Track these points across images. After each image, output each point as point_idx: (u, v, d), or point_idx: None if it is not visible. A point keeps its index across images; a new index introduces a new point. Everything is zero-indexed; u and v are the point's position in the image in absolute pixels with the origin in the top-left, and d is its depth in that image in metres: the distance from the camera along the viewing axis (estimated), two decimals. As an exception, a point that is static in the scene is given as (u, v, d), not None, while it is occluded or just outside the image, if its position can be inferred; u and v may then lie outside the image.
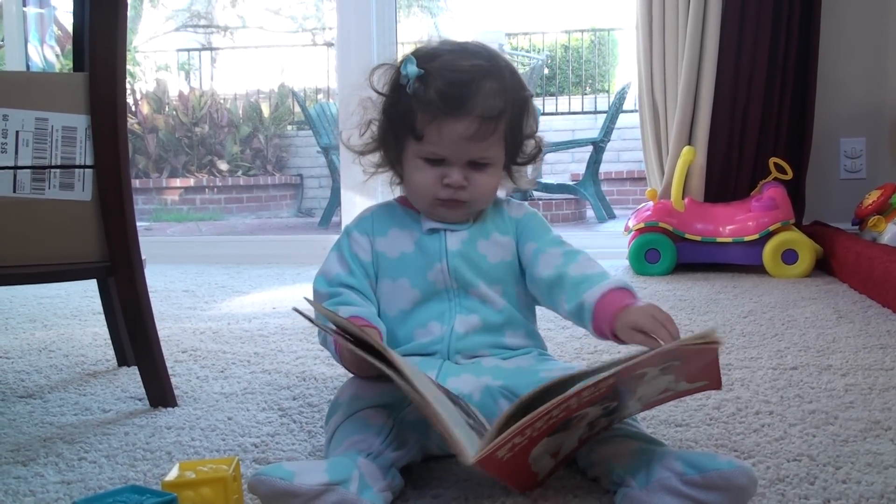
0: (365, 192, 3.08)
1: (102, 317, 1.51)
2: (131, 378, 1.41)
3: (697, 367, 0.86)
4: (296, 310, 0.94)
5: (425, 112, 1.02)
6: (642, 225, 2.66)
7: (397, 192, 1.17)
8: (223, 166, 6.97)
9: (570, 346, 1.61)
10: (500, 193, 1.15)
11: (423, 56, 1.04)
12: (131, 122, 6.66)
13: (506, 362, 1.05)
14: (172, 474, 0.81)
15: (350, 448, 0.88)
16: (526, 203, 1.16)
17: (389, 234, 1.11)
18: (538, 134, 1.12)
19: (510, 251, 1.11)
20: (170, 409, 1.23)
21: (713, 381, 0.89)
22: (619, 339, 0.96)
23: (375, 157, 1.12)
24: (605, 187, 5.76)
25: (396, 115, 1.06)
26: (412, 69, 1.02)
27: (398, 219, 1.12)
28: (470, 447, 0.78)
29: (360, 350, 0.86)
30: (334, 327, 0.91)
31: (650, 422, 1.12)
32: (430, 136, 1.02)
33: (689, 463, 0.81)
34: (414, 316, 1.08)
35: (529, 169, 1.14)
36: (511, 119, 1.06)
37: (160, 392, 1.24)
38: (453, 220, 1.09)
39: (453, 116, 1.01)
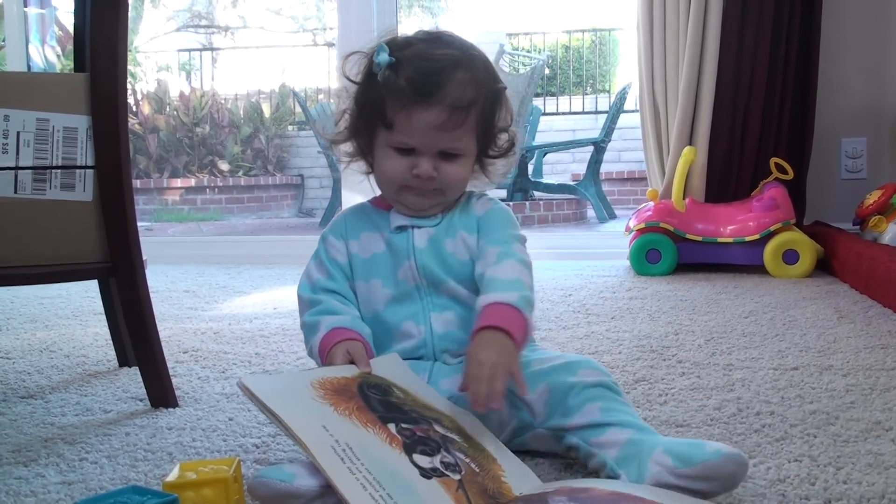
0: (367, 192, 3.08)
1: (103, 317, 1.51)
2: (132, 378, 1.41)
3: None
4: (241, 385, 0.89)
5: (395, 100, 1.01)
6: (643, 225, 2.66)
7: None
8: (224, 166, 6.97)
9: (571, 347, 1.61)
10: (492, 193, 1.15)
11: (396, 45, 1.04)
12: (132, 122, 6.66)
13: None
14: (173, 475, 0.81)
15: None
16: (494, 199, 1.14)
17: (361, 236, 1.11)
18: (512, 128, 1.11)
19: (476, 250, 1.09)
20: (171, 409, 1.23)
21: None
22: None
23: (349, 147, 1.12)
24: (605, 187, 5.76)
25: (367, 103, 1.05)
26: (383, 57, 1.01)
27: (369, 220, 1.12)
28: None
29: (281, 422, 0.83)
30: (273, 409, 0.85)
31: (651, 422, 1.12)
32: (400, 124, 1.02)
33: (678, 456, 0.83)
34: (388, 316, 1.07)
35: (502, 163, 1.12)
36: (483, 110, 1.04)
37: (161, 392, 1.24)
38: (422, 210, 1.08)
39: (423, 105, 1.00)
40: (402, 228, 1.09)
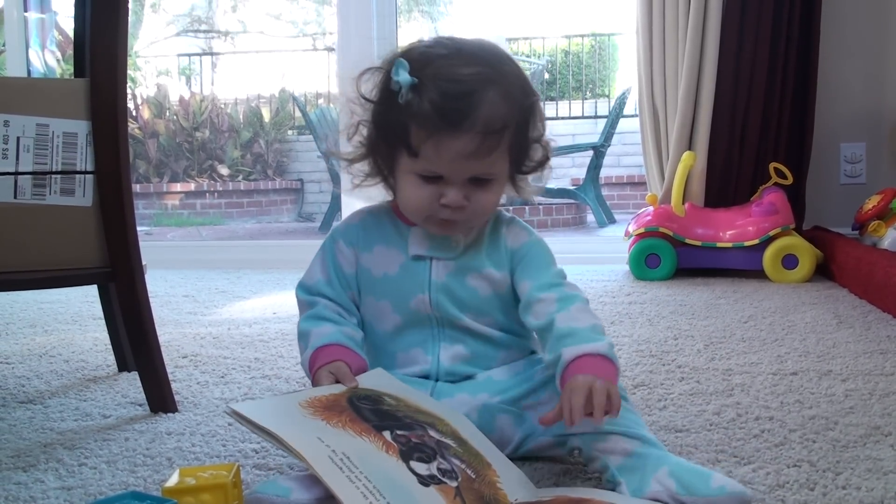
0: (365, 197, 3.08)
1: (103, 322, 1.51)
2: (132, 383, 1.41)
3: None
4: (233, 412, 0.87)
5: (420, 127, 0.91)
6: (642, 230, 2.66)
7: None
8: (224, 171, 6.97)
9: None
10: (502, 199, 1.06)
11: (416, 60, 0.93)
12: (132, 127, 6.67)
13: (497, 371, 1.03)
14: (173, 480, 0.81)
15: None
16: (525, 226, 1.06)
17: (374, 250, 1.04)
18: (545, 137, 1.01)
19: (504, 284, 1.03)
20: (170, 414, 1.23)
21: None
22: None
23: (364, 166, 1.03)
24: (605, 192, 5.76)
25: (388, 125, 0.96)
26: (404, 77, 0.91)
27: (386, 233, 1.05)
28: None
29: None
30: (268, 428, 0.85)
31: (650, 427, 1.11)
32: (426, 153, 0.92)
33: (682, 483, 0.82)
34: (396, 340, 1.04)
35: (534, 177, 1.04)
36: (517, 128, 0.95)
37: (160, 397, 1.24)
38: (446, 236, 1.01)
39: (452, 133, 0.90)
40: (420, 257, 1.02)
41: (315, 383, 0.98)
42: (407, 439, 0.87)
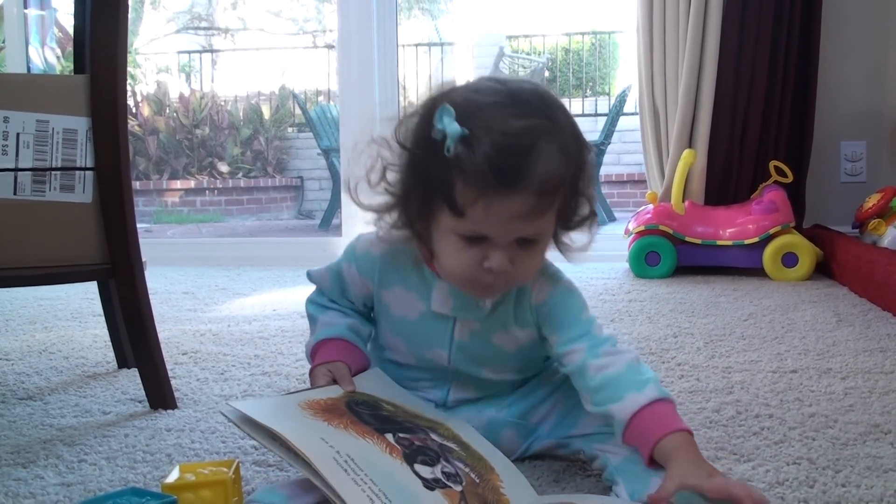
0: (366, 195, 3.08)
1: (103, 319, 1.51)
2: (131, 380, 1.41)
3: None
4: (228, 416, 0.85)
5: (470, 184, 0.80)
6: (642, 228, 2.66)
7: None
8: (224, 168, 6.97)
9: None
10: None
11: (461, 106, 0.82)
12: (132, 123, 6.66)
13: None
14: (172, 476, 0.81)
15: None
16: (554, 276, 0.96)
17: (393, 289, 0.97)
18: (592, 195, 0.91)
19: (530, 338, 0.97)
20: (170, 411, 1.23)
21: None
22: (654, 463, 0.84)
23: (391, 216, 0.91)
24: (605, 190, 5.76)
25: (429, 178, 0.84)
26: (453, 127, 0.80)
27: (407, 276, 0.96)
28: None
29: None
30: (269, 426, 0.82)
31: (650, 425, 1.12)
32: (474, 213, 0.82)
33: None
34: (406, 370, 1.02)
35: (579, 234, 0.94)
36: (570, 185, 0.86)
37: (160, 394, 1.24)
38: (485, 297, 0.93)
39: (505, 193, 0.80)
40: (442, 314, 0.95)
41: (312, 380, 0.97)
42: (410, 441, 0.85)
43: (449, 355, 0.96)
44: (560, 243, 0.93)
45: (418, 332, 0.97)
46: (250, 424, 0.83)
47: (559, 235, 0.92)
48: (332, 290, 1.04)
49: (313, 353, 1.00)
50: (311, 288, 1.07)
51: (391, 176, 0.89)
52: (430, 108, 0.84)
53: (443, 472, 0.82)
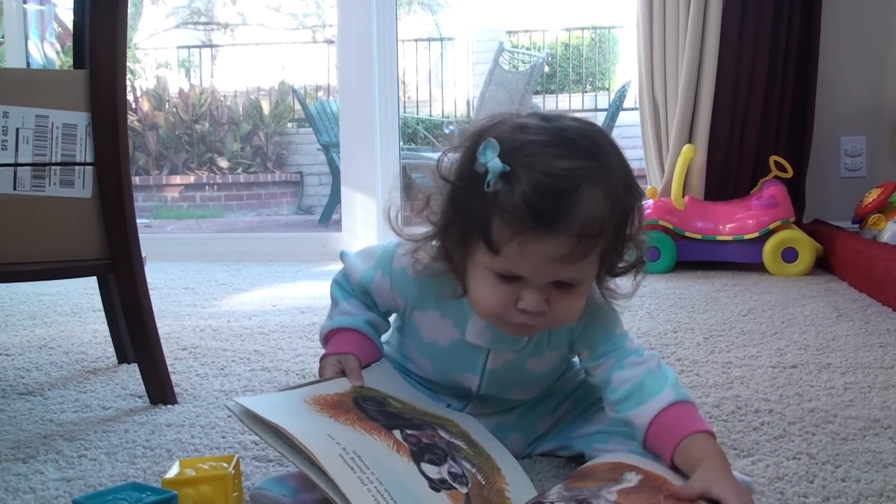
0: (366, 189, 3.08)
1: (102, 314, 1.51)
2: (131, 375, 1.41)
3: None
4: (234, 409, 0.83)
5: (506, 222, 0.79)
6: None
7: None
8: (223, 163, 6.97)
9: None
10: None
11: (506, 141, 0.80)
12: (131, 119, 6.66)
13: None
14: (173, 472, 0.81)
15: None
16: (591, 300, 0.92)
17: (428, 314, 0.95)
18: (641, 236, 0.88)
19: (561, 357, 0.97)
20: (170, 406, 1.23)
21: None
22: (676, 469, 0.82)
23: (431, 248, 0.90)
24: (605, 185, 5.75)
25: (468, 211, 0.82)
26: (494, 163, 0.78)
27: (444, 304, 0.93)
28: None
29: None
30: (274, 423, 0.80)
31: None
32: (509, 252, 0.80)
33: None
34: (428, 385, 1.00)
35: (624, 280, 0.92)
36: (615, 230, 0.84)
37: (160, 389, 1.24)
38: (520, 336, 0.92)
39: (543, 234, 0.78)
40: (476, 345, 0.93)
41: (321, 368, 0.96)
42: (417, 439, 0.84)
43: (480, 382, 0.96)
44: (604, 288, 0.91)
45: (449, 359, 0.95)
46: (254, 420, 0.82)
47: (603, 280, 0.90)
48: (357, 287, 1.00)
49: (327, 338, 0.99)
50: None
51: (434, 207, 0.87)
52: (476, 140, 0.81)
53: (449, 473, 0.81)
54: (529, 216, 0.77)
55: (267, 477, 0.89)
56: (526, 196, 0.77)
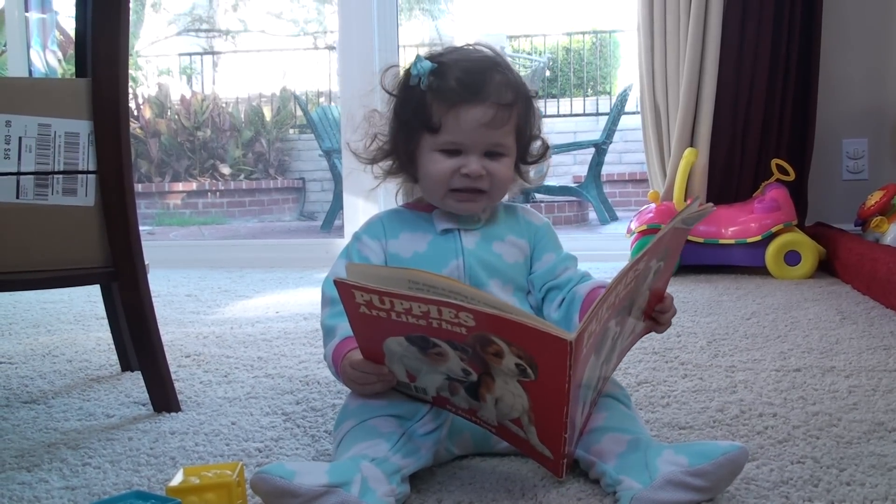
0: (368, 195, 3.08)
1: (106, 322, 1.52)
2: (135, 383, 1.41)
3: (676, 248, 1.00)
4: (338, 281, 0.88)
5: (442, 102, 1.04)
6: (645, 227, 2.66)
7: (400, 198, 1.18)
8: (225, 170, 6.98)
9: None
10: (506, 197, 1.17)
11: (432, 55, 1.09)
12: (133, 126, 6.67)
13: None
14: (177, 479, 0.81)
15: (357, 454, 0.88)
16: (537, 212, 1.19)
17: (401, 236, 1.12)
18: (543, 135, 1.15)
19: (524, 254, 1.13)
20: (173, 414, 1.23)
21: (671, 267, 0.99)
22: None
23: (385, 165, 1.14)
24: (607, 189, 5.76)
25: (409, 112, 1.08)
26: (426, 64, 1.05)
27: (409, 222, 1.13)
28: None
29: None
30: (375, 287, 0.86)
31: (654, 425, 1.12)
32: (448, 125, 1.04)
33: (693, 454, 0.84)
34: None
35: (536, 168, 1.17)
36: (520, 112, 1.08)
37: (164, 397, 1.25)
38: (467, 214, 1.10)
39: (471, 102, 1.03)
40: (448, 230, 1.11)
41: (342, 373, 0.98)
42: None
43: (464, 262, 1.09)
44: (522, 174, 1.15)
45: (432, 256, 1.09)
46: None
47: (521, 169, 1.15)
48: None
49: (340, 347, 1.00)
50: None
51: (381, 139, 1.13)
52: (406, 70, 1.09)
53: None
54: (460, 89, 1.04)
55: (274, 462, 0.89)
56: (456, 77, 1.04)
